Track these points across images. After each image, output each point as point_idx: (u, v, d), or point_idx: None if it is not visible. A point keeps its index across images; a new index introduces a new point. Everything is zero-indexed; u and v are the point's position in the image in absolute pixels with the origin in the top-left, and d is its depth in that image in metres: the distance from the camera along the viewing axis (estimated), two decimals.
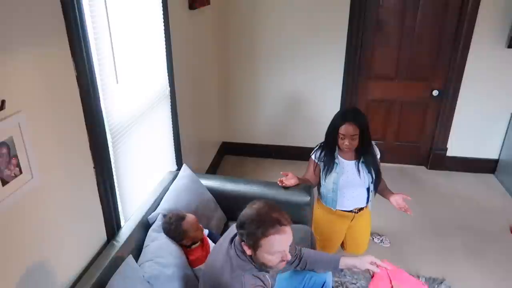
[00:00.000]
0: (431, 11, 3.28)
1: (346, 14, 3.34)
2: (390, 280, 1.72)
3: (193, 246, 1.92)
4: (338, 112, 2.41)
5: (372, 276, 1.76)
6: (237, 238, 1.53)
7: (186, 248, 1.91)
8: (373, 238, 2.83)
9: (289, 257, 1.47)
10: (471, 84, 3.43)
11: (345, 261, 1.77)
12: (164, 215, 1.97)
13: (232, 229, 1.61)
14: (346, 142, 2.24)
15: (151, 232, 1.87)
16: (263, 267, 1.49)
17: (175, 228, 1.87)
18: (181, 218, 1.90)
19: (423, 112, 3.67)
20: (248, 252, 1.46)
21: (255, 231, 1.40)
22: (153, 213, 1.98)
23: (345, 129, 2.22)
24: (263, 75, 3.70)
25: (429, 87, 3.55)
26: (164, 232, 1.89)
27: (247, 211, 1.46)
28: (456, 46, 3.33)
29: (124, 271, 1.56)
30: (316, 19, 3.41)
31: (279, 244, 1.42)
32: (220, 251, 1.57)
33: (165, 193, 2.15)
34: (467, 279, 2.53)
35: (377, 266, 1.72)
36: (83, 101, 1.51)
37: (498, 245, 2.83)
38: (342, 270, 1.83)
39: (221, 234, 2.17)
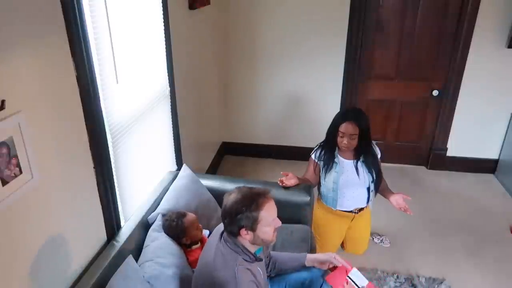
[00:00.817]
0: (431, 11, 3.28)
1: (346, 14, 3.34)
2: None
3: (194, 247, 1.93)
4: (340, 111, 2.42)
5: (332, 270, 1.80)
6: (225, 233, 1.55)
7: (186, 249, 1.91)
8: (373, 238, 2.83)
9: (279, 222, 1.55)
10: (471, 84, 3.43)
11: (310, 257, 1.83)
12: (164, 215, 1.97)
13: (220, 227, 1.64)
14: (345, 141, 2.24)
15: (151, 232, 1.87)
16: (262, 244, 1.56)
17: (176, 225, 1.87)
18: (182, 215, 1.91)
19: (423, 112, 3.67)
20: (248, 237, 1.50)
21: (251, 209, 1.47)
22: (152, 213, 1.98)
23: (345, 127, 2.23)
24: (263, 75, 3.70)
25: (429, 87, 3.55)
26: (164, 230, 1.89)
27: (231, 200, 1.49)
28: (456, 46, 3.33)
29: (124, 271, 1.56)
30: (316, 19, 3.41)
31: (273, 211, 1.53)
32: (210, 249, 1.58)
33: (165, 193, 2.15)
34: (467, 279, 2.53)
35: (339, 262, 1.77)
36: (83, 101, 1.51)
37: (498, 245, 2.83)
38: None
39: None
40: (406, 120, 3.72)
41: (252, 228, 1.48)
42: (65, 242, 1.48)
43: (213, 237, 1.63)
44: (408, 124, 3.73)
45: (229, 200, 1.50)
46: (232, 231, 1.51)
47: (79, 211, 1.57)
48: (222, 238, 1.57)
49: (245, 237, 1.50)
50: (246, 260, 1.53)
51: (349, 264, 1.77)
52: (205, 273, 1.53)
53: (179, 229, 1.88)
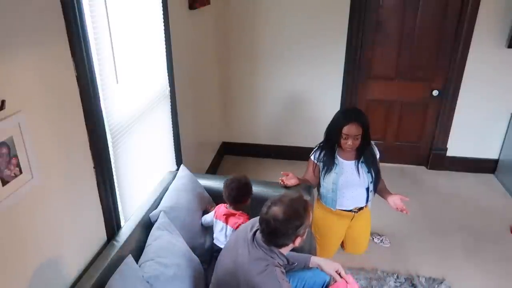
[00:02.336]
0: (431, 11, 3.28)
1: (346, 14, 3.34)
2: None
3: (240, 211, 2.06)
4: (339, 111, 2.41)
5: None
6: (260, 239, 1.55)
7: (230, 212, 2.04)
8: (373, 238, 2.83)
9: None
10: (471, 84, 3.43)
11: (314, 260, 1.85)
12: (165, 212, 1.97)
13: (246, 229, 1.64)
14: (349, 142, 2.24)
15: (154, 231, 1.86)
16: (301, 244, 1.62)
17: (247, 183, 2.05)
18: (247, 177, 2.08)
19: (423, 112, 3.67)
20: (298, 242, 1.55)
21: (306, 218, 1.52)
22: (154, 211, 1.99)
23: (349, 129, 2.22)
24: (263, 75, 3.70)
25: (429, 87, 3.55)
26: (229, 191, 2.02)
27: (282, 216, 1.47)
28: (456, 46, 3.33)
29: (123, 271, 1.56)
30: (316, 19, 3.41)
31: None
32: (240, 251, 1.58)
33: (165, 193, 2.15)
34: (467, 279, 2.53)
35: (340, 275, 1.75)
36: (83, 101, 1.51)
37: (498, 245, 2.83)
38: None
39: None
40: (406, 120, 3.72)
41: (303, 233, 1.54)
42: (65, 242, 1.48)
43: (239, 239, 1.63)
44: (408, 124, 3.73)
45: (278, 215, 1.47)
46: (283, 243, 1.54)
47: (79, 211, 1.57)
48: (255, 242, 1.57)
49: (296, 243, 1.54)
50: (280, 264, 1.57)
51: (350, 277, 1.75)
52: (241, 275, 1.52)
53: (247, 188, 2.04)
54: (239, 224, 1.95)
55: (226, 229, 2.03)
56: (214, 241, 2.11)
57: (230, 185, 2.04)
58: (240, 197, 2.05)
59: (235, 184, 2.03)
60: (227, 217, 2.04)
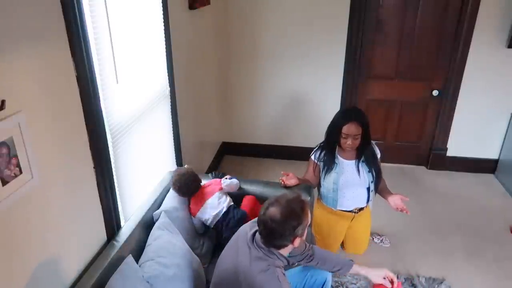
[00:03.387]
0: (431, 11, 3.28)
1: (346, 14, 3.34)
2: None
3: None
4: (339, 111, 2.41)
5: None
6: (259, 240, 1.55)
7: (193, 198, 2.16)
8: (373, 238, 2.83)
9: None
10: (471, 84, 3.43)
11: (357, 269, 1.85)
12: (167, 212, 1.97)
13: (245, 230, 1.64)
14: (349, 142, 2.24)
15: (154, 231, 1.86)
16: (302, 245, 1.65)
17: (190, 172, 2.14)
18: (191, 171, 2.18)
19: (423, 112, 3.67)
20: (296, 243, 1.52)
21: (303, 218, 1.50)
22: (157, 211, 1.99)
23: (348, 128, 2.22)
24: (263, 75, 3.70)
25: (429, 87, 3.55)
26: (188, 186, 2.11)
27: (279, 216, 1.46)
28: (456, 46, 3.33)
29: (124, 270, 1.56)
30: (316, 19, 3.41)
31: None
32: (240, 252, 1.58)
33: (166, 193, 2.16)
34: (467, 279, 2.53)
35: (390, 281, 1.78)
36: (83, 101, 1.51)
37: (498, 245, 2.83)
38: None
39: (220, 234, 2.17)
40: (406, 120, 3.72)
41: (302, 234, 1.53)
42: (65, 242, 1.48)
43: (239, 239, 1.64)
44: (408, 124, 3.73)
45: (275, 216, 1.47)
46: (282, 244, 1.53)
47: (79, 211, 1.57)
48: (255, 243, 1.57)
49: (295, 244, 1.53)
50: (280, 265, 1.57)
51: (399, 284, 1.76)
52: (241, 274, 1.53)
53: (195, 174, 2.16)
54: (216, 187, 2.16)
55: (211, 201, 2.14)
56: (215, 222, 2.14)
57: (183, 185, 2.10)
58: (196, 187, 2.16)
59: (185, 180, 2.11)
60: (202, 199, 2.13)
